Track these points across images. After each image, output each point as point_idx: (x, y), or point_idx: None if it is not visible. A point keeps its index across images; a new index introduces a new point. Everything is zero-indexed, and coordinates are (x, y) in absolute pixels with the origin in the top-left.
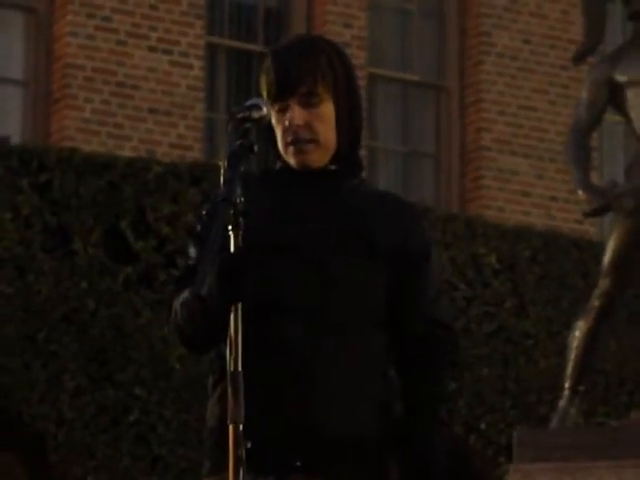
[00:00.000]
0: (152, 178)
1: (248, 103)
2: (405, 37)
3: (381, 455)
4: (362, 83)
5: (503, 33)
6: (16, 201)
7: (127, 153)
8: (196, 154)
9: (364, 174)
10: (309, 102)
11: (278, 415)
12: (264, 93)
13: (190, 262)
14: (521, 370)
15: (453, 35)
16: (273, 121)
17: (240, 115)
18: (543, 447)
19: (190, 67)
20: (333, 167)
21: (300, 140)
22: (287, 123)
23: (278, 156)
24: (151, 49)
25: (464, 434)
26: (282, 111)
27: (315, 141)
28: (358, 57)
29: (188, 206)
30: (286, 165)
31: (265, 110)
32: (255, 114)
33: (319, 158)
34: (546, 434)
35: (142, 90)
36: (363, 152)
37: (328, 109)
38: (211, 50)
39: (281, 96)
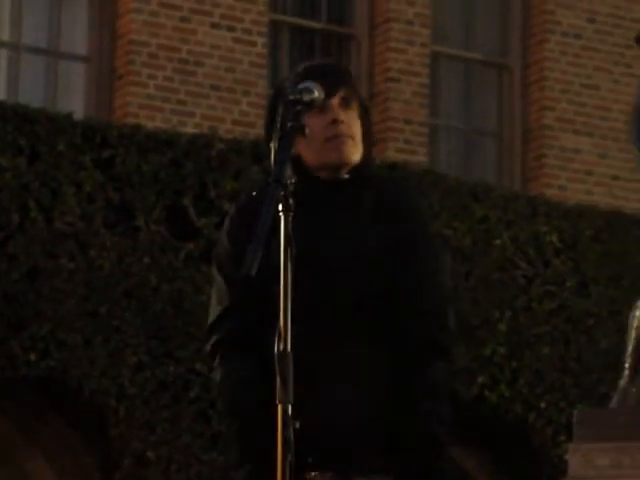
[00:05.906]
0: (214, 155)
1: (300, 86)
2: (468, 15)
3: (391, 446)
4: (425, 61)
5: (567, 12)
6: (78, 177)
7: (190, 130)
8: (258, 131)
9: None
10: (347, 104)
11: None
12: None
13: (223, 303)
14: (582, 349)
15: (517, 13)
16: (308, 124)
17: (292, 97)
18: (603, 426)
19: (253, 44)
20: (347, 177)
21: (342, 134)
22: (329, 119)
23: (299, 168)
24: (214, 26)
25: (524, 413)
26: (321, 112)
27: (353, 138)
28: (421, 35)
29: (250, 183)
30: (307, 177)
31: (317, 93)
32: (306, 97)
33: (354, 155)
34: (606, 413)
35: (205, 67)
36: (425, 130)
37: (357, 116)
38: (274, 27)
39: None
